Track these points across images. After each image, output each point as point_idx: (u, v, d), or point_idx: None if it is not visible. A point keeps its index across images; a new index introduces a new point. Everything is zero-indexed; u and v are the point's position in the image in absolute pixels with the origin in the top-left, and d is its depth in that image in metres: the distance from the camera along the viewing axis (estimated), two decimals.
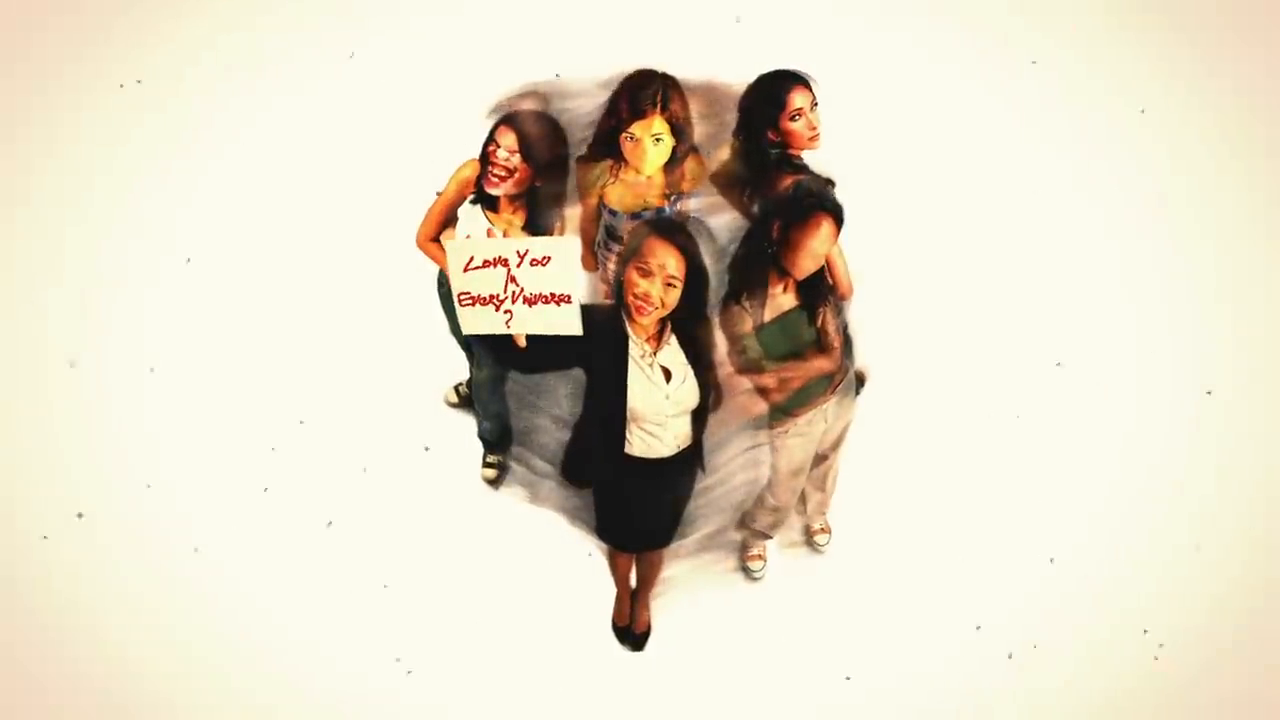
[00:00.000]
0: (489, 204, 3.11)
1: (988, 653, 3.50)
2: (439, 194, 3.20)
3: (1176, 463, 3.85)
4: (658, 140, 3.00)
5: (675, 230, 2.64)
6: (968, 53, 4.69)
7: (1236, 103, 4.55)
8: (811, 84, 3.01)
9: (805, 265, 2.81)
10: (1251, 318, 4.14)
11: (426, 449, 3.84)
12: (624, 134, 3.01)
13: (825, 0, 4.77)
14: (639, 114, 2.97)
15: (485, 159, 3.03)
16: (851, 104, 3.40)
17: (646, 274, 2.61)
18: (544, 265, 2.52)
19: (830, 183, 2.86)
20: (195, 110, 4.54)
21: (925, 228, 4.29)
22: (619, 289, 2.68)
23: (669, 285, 2.61)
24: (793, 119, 2.98)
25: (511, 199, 3.08)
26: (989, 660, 3.49)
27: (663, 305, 2.63)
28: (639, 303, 2.62)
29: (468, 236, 3.06)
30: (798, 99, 2.97)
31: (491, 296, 2.56)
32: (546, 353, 2.64)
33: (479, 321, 2.60)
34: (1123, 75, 4.62)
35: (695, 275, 2.64)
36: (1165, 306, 4.16)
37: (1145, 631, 3.54)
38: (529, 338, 2.61)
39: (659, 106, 2.97)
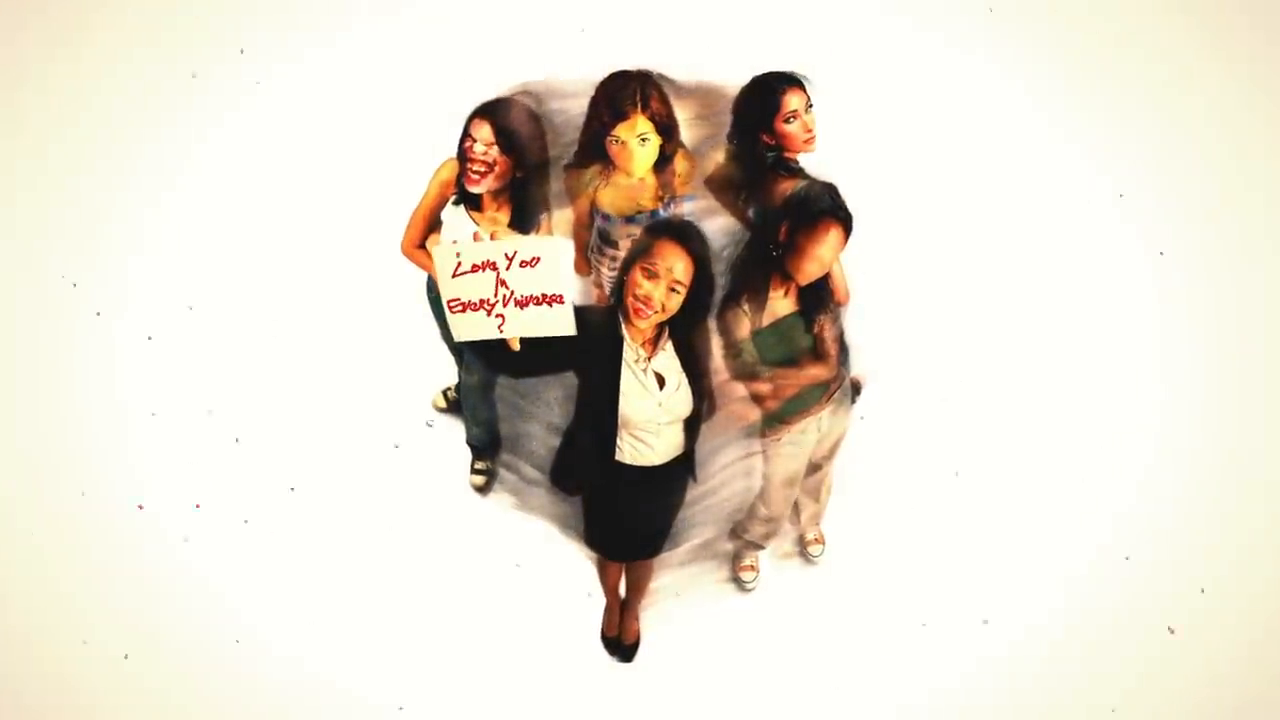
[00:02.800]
0: (472, 203, 3.07)
1: (981, 664, 3.48)
2: (421, 199, 3.16)
3: (1180, 474, 3.83)
4: (644, 141, 2.97)
5: (689, 235, 2.60)
6: (967, 57, 4.69)
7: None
8: (806, 85, 2.98)
9: (810, 270, 2.78)
10: (1260, 333, 4.13)
11: (411, 454, 3.81)
12: (609, 137, 2.97)
13: (823, 1, 4.77)
14: (621, 116, 2.93)
15: (463, 156, 2.98)
16: (847, 108, 3.38)
17: (652, 276, 2.56)
18: (533, 266, 2.48)
19: (831, 187, 2.82)
20: (181, 114, 4.52)
21: (923, 235, 4.28)
22: (619, 289, 2.64)
23: (673, 290, 2.57)
24: (787, 121, 2.95)
25: (495, 195, 3.04)
26: (983, 671, 3.47)
27: (663, 310, 2.59)
28: (639, 305, 2.58)
29: (454, 242, 3.01)
30: (792, 100, 2.95)
31: (482, 301, 2.52)
32: (538, 356, 2.60)
33: (471, 327, 2.55)
34: (1127, 80, 4.64)
35: (701, 283, 2.61)
36: (1166, 314, 4.15)
37: (1161, 634, 3.53)
38: (522, 340, 2.57)
39: (639, 106, 2.93)
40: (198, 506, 3.70)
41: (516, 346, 2.57)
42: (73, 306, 4.09)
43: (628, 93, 2.92)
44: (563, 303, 2.50)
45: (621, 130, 2.94)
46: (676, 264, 2.56)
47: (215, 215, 4.32)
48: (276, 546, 3.63)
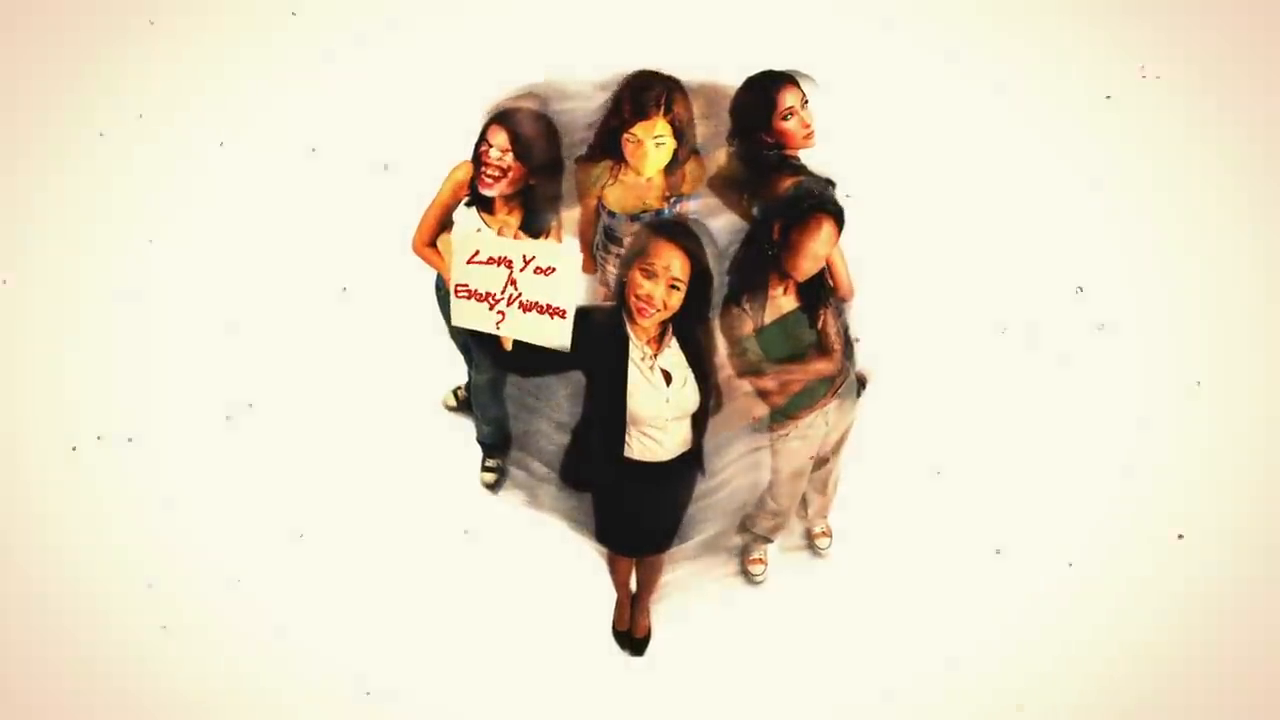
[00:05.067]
0: (484, 205, 3.09)
1: (990, 657, 3.49)
2: (434, 198, 3.19)
3: (1186, 460, 3.84)
4: (659, 143, 2.99)
5: (682, 232, 2.62)
6: (970, 52, 4.70)
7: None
8: (801, 82, 2.99)
9: (806, 267, 2.79)
10: (1253, 319, 4.14)
11: (422, 452, 3.83)
12: (626, 135, 2.99)
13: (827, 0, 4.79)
14: (642, 115, 2.95)
15: (478, 159, 3.00)
16: (853, 104, 3.39)
17: (650, 275, 2.58)
18: (547, 275, 2.52)
19: (831, 183, 2.84)
20: (191, 114, 4.56)
21: (928, 229, 4.29)
22: (621, 290, 2.66)
23: (672, 288, 2.59)
24: (785, 118, 2.97)
25: (506, 199, 3.06)
26: (992, 664, 3.48)
27: (665, 308, 2.61)
28: (641, 304, 2.60)
29: (478, 230, 3.04)
30: (788, 98, 2.96)
31: (488, 294, 2.55)
32: (546, 355, 2.62)
33: (470, 316, 2.59)
34: (1127, 74, 4.65)
35: (699, 278, 2.62)
36: (1169, 304, 4.17)
37: (1156, 632, 3.54)
38: (515, 340, 2.60)
39: (662, 109, 2.95)
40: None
41: (509, 346, 2.61)
42: (94, 302, 4.14)
43: (653, 93, 2.95)
44: (564, 318, 2.54)
45: (640, 129, 2.96)
46: (673, 262, 2.57)
47: (225, 217, 4.34)
48: (287, 545, 3.66)
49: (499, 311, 2.55)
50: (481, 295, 2.55)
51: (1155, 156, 4.48)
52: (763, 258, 2.82)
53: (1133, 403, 3.96)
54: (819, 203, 2.75)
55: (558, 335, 2.56)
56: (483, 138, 2.99)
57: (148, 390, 3.96)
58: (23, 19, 4.70)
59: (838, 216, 2.76)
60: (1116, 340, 4.08)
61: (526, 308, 2.54)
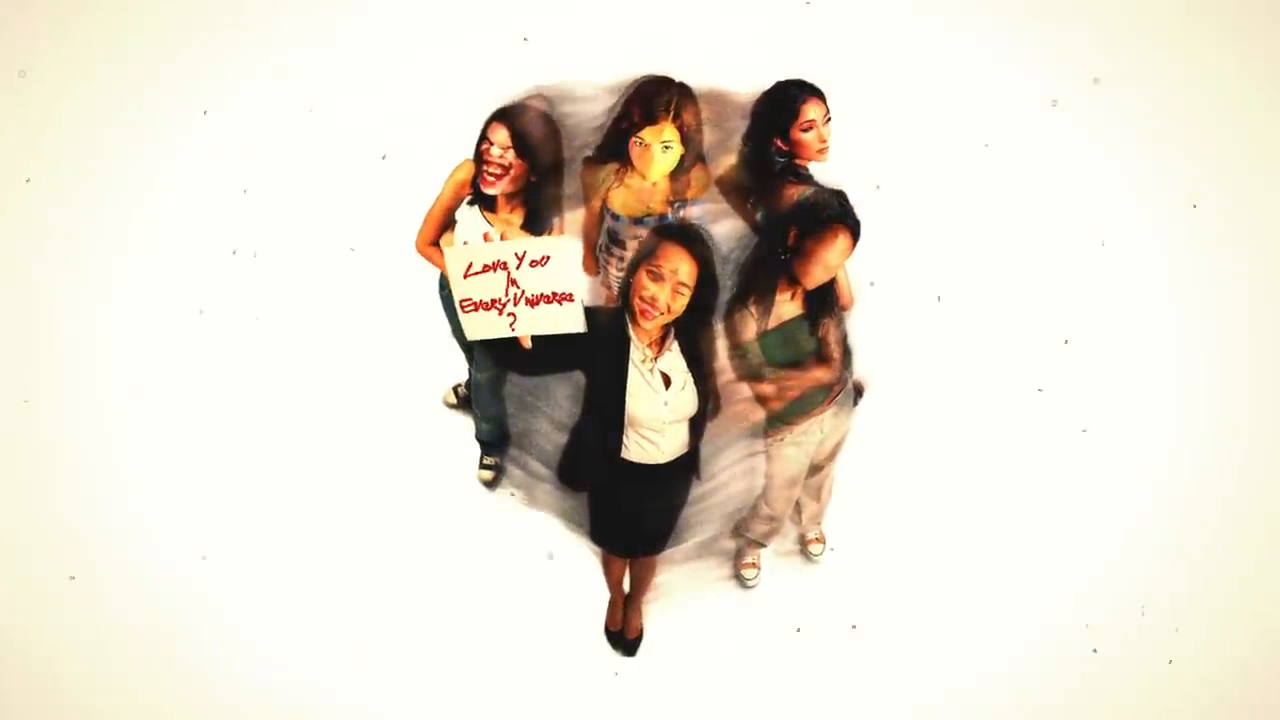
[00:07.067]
0: (486, 204, 3.09)
1: (981, 663, 3.50)
2: (436, 198, 3.19)
3: (1192, 480, 3.85)
4: (666, 148, 3.00)
5: (693, 238, 2.63)
6: (970, 64, 4.70)
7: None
8: (826, 97, 3.01)
9: (817, 275, 2.82)
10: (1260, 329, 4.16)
11: (420, 449, 3.84)
12: (634, 138, 3.01)
13: (831, 6, 4.79)
14: (651, 119, 2.97)
15: (479, 158, 3.01)
16: (853, 114, 3.40)
17: (657, 278, 2.60)
18: (543, 265, 2.52)
19: (840, 195, 2.86)
20: (196, 108, 4.55)
21: (927, 240, 4.29)
22: (626, 290, 2.68)
23: (678, 291, 2.60)
24: (804, 130, 2.99)
25: (509, 197, 3.06)
26: (982, 670, 3.49)
27: (669, 311, 2.62)
28: (645, 306, 2.61)
29: (465, 243, 3.05)
30: (811, 110, 2.98)
31: (494, 301, 2.56)
32: (547, 355, 2.64)
33: (483, 326, 2.59)
34: (1131, 86, 4.64)
35: (706, 284, 2.64)
36: (1168, 319, 4.17)
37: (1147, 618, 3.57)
38: (534, 338, 2.61)
39: (671, 114, 2.97)
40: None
41: (528, 345, 2.61)
42: (95, 309, 4.14)
43: (663, 98, 2.96)
44: (573, 301, 2.54)
45: (648, 133, 2.98)
46: (681, 266, 2.59)
47: (228, 215, 4.34)
48: (285, 545, 3.66)
49: (509, 314, 2.56)
50: (488, 304, 2.56)
51: (1162, 163, 4.49)
52: (774, 262, 2.84)
53: (1135, 409, 3.97)
54: (839, 214, 2.77)
55: (571, 320, 2.56)
56: (484, 136, 3.00)
57: (148, 386, 3.97)
58: None
59: (855, 229, 2.78)
60: (1118, 350, 4.09)
61: (533, 302, 2.55)
